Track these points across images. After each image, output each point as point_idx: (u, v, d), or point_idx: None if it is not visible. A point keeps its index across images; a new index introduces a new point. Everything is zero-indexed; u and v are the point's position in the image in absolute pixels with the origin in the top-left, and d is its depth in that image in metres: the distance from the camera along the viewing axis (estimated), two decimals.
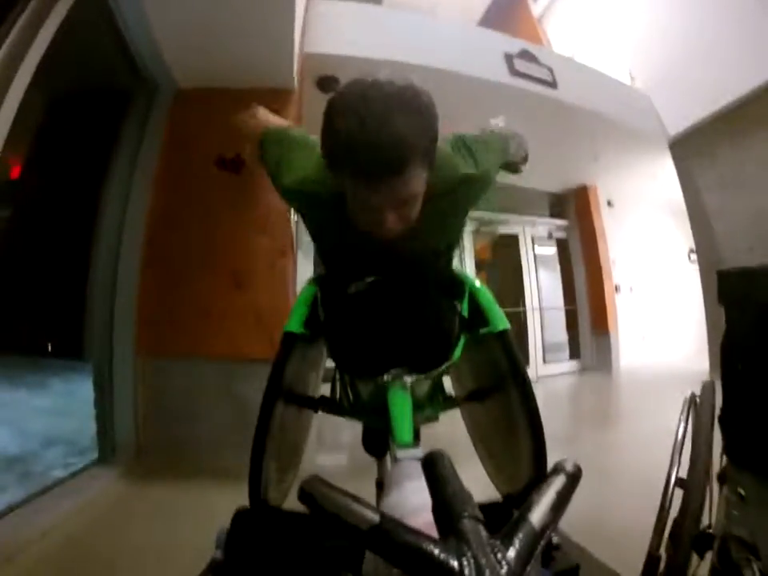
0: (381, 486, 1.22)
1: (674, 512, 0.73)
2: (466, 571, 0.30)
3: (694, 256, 5.66)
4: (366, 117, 0.58)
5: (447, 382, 1.18)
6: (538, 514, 0.34)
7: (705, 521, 0.75)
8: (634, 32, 4.95)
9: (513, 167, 1.10)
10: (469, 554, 0.31)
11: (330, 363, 1.04)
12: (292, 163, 0.80)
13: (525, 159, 1.14)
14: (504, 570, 0.30)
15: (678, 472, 0.80)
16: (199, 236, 2.60)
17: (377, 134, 0.58)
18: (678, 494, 0.76)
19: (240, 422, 2.25)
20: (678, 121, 4.42)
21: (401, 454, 0.67)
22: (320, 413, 1.12)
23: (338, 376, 1.19)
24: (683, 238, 6.15)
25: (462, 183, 0.78)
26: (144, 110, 2.72)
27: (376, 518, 0.33)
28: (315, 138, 0.76)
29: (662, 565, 0.68)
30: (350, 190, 0.64)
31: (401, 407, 0.78)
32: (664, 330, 6.38)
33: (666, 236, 6.73)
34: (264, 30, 2.36)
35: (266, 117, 1.00)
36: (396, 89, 0.61)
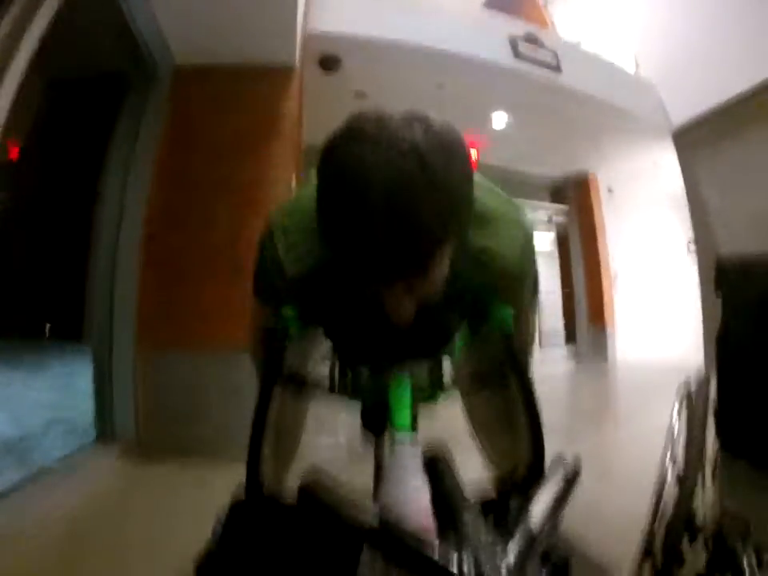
0: (378, 472, 1.23)
1: (668, 501, 0.74)
2: (466, 568, 0.30)
3: (692, 246, 5.65)
4: (376, 197, 0.43)
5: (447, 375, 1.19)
6: (537, 512, 0.34)
7: (699, 509, 0.76)
8: (641, 19, 4.86)
9: None
10: (468, 551, 0.31)
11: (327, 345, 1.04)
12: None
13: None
14: (504, 568, 0.30)
15: (673, 462, 0.81)
16: (200, 227, 2.57)
17: (391, 226, 0.43)
18: (672, 482, 0.77)
19: (240, 415, 2.24)
20: (683, 111, 4.36)
21: (399, 438, 0.67)
22: (318, 397, 1.13)
23: (335, 359, 1.20)
24: (682, 228, 6.14)
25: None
26: (144, 89, 2.66)
27: (375, 512, 0.33)
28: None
29: (657, 551, 0.69)
30: (353, 280, 0.52)
31: (400, 391, 0.78)
32: (660, 320, 6.41)
33: (665, 226, 6.72)
34: (266, 7, 2.31)
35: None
36: (418, 146, 0.43)
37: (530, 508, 0.34)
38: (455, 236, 0.47)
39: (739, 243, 3.86)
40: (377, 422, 1.16)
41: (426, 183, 0.43)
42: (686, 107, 4.31)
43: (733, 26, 3.80)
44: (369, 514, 0.33)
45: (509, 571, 0.30)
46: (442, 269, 0.50)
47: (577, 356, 6.04)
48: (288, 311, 0.83)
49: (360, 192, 0.43)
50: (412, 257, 0.45)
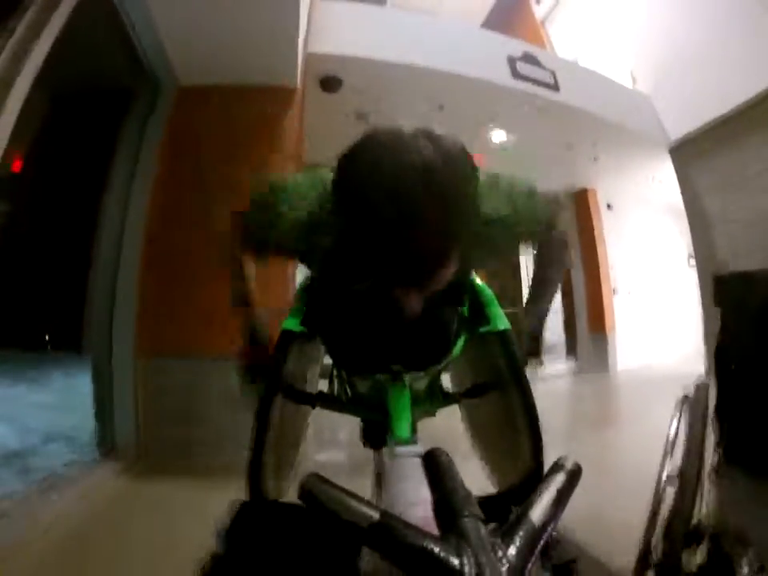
0: (379, 479, 1.23)
1: (667, 508, 0.75)
2: (467, 569, 0.30)
3: (692, 260, 5.66)
4: (387, 215, 0.45)
5: (446, 379, 1.19)
6: (538, 512, 0.34)
7: (697, 516, 0.76)
8: (637, 35, 4.96)
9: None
10: (469, 552, 0.31)
11: (327, 359, 1.04)
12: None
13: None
14: (505, 568, 0.30)
15: (670, 469, 0.82)
16: (200, 234, 2.60)
17: (401, 242, 0.46)
18: (671, 490, 0.77)
19: (240, 420, 2.25)
20: (679, 125, 4.43)
21: (399, 449, 0.68)
22: (318, 408, 1.13)
23: (335, 372, 1.20)
24: (682, 241, 6.16)
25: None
26: (146, 107, 2.73)
27: (376, 515, 0.33)
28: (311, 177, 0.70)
29: (655, 558, 0.69)
30: (366, 285, 0.54)
31: (399, 402, 0.79)
32: (662, 333, 6.39)
33: (665, 240, 6.74)
34: (268, 28, 2.38)
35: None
36: (425, 162, 0.46)
37: (531, 510, 0.34)
38: (463, 241, 0.50)
39: (739, 253, 3.88)
40: (376, 435, 1.16)
41: (433, 197, 0.46)
42: (682, 121, 4.37)
43: (728, 40, 3.87)
44: (369, 515, 0.33)
45: (510, 573, 0.30)
46: (451, 269, 0.53)
47: (578, 368, 6.00)
48: (291, 323, 0.85)
49: (370, 211, 0.46)
50: (420, 269, 0.48)
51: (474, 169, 0.51)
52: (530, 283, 0.98)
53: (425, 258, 0.47)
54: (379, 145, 0.49)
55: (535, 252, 0.95)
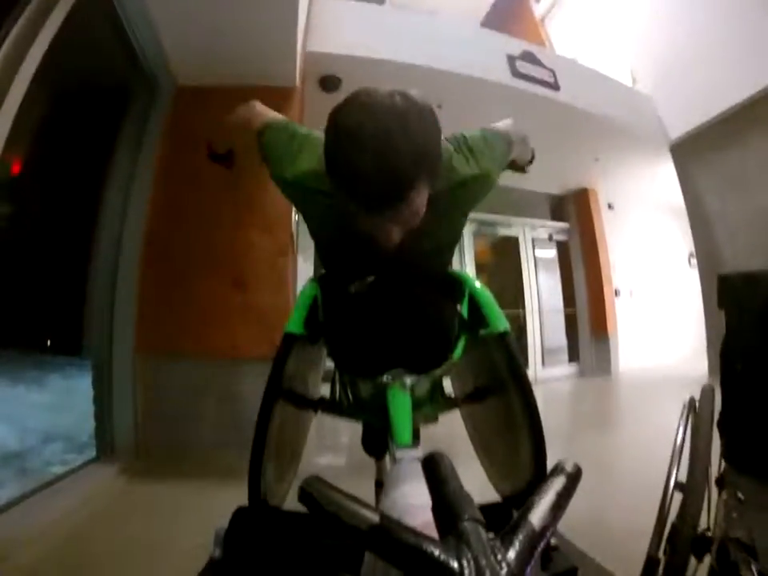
0: (380, 486, 1.22)
1: (673, 515, 0.74)
2: (466, 572, 0.30)
3: (693, 260, 5.66)
4: (367, 143, 0.57)
5: (447, 382, 1.18)
6: (538, 515, 0.33)
7: (703, 524, 0.75)
8: (637, 34, 4.96)
9: (517, 168, 1.10)
10: (469, 555, 0.31)
11: (329, 363, 1.04)
12: (295, 157, 0.79)
13: (530, 161, 1.13)
14: (504, 571, 0.30)
15: (677, 475, 0.81)
16: (200, 235, 2.61)
17: (377, 164, 0.57)
18: (678, 497, 0.76)
19: (240, 421, 2.25)
20: (680, 124, 4.43)
21: (400, 454, 0.67)
22: (319, 413, 1.12)
23: (337, 376, 1.19)
24: (683, 241, 6.16)
25: (463, 183, 0.78)
26: (145, 107, 2.72)
27: (376, 518, 0.33)
28: (318, 133, 0.76)
29: (661, 567, 0.68)
30: (351, 208, 0.63)
31: (400, 407, 0.78)
32: (664, 333, 6.39)
33: (667, 239, 6.74)
34: (266, 27, 2.37)
35: (265, 110, 0.97)
36: (397, 108, 0.59)
37: (530, 513, 0.34)
38: (427, 174, 0.61)
39: (741, 250, 3.88)
40: (377, 444, 1.16)
41: (407, 131, 0.58)
42: (683, 120, 4.37)
43: (728, 39, 3.87)
44: (369, 518, 0.33)
45: (509, 574, 0.30)
46: (422, 198, 0.63)
47: (580, 370, 6.00)
48: (293, 326, 0.84)
49: (354, 140, 0.58)
50: (393, 185, 0.58)
51: (431, 112, 0.62)
52: None
53: (396, 178, 0.57)
54: (363, 94, 0.62)
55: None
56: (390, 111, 0.59)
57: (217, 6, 2.24)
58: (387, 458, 1.08)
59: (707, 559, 0.72)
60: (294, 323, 0.86)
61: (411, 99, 0.61)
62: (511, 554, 0.31)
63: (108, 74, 2.86)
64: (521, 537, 0.32)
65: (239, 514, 0.74)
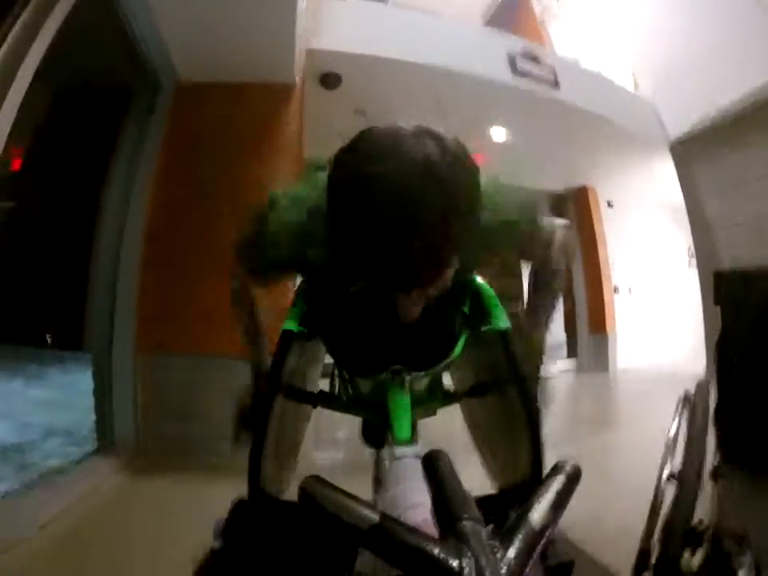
0: (378, 482, 1.23)
1: (666, 507, 0.74)
2: (466, 571, 0.30)
3: (693, 260, 5.66)
4: (390, 209, 0.42)
5: (446, 377, 1.19)
6: (537, 514, 0.34)
7: (697, 515, 0.76)
8: (637, 34, 4.95)
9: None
10: (469, 554, 0.31)
11: (328, 359, 1.04)
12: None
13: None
14: (504, 570, 0.31)
15: (671, 468, 0.82)
16: (201, 232, 2.60)
17: (406, 238, 0.42)
18: (671, 490, 0.77)
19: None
20: (680, 123, 4.42)
21: (400, 451, 0.68)
22: (318, 408, 1.13)
23: (336, 371, 1.20)
24: (682, 240, 6.16)
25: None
26: (146, 104, 2.73)
27: (376, 517, 0.33)
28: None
29: (654, 558, 0.69)
30: (366, 286, 0.52)
31: (400, 404, 0.78)
32: (662, 331, 6.39)
33: (665, 238, 6.73)
34: (267, 25, 2.37)
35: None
36: (431, 158, 0.43)
37: (530, 512, 0.34)
38: (466, 242, 0.48)
39: (739, 251, 3.88)
40: (377, 435, 1.16)
41: (437, 197, 0.43)
42: (683, 120, 4.36)
43: (729, 40, 3.86)
44: (369, 517, 0.33)
45: (509, 573, 0.31)
46: (450, 273, 0.50)
47: (578, 366, 6.01)
48: (291, 323, 0.84)
49: (373, 203, 0.43)
50: (425, 268, 0.45)
51: (476, 169, 0.48)
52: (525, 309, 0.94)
53: (424, 262, 0.44)
54: (378, 141, 0.46)
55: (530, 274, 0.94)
56: (417, 164, 0.43)
57: (218, 4, 2.24)
58: (386, 454, 1.09)
59: (700, 550, 0.73)
60: (292, 321, 0.85)
61: (442, 143, 0.45)
62: (511, 554, 0.32)
63: (109, 71, 2.87)
64: (520, 536, 0.33)
65: (239, 505, 0.74)
